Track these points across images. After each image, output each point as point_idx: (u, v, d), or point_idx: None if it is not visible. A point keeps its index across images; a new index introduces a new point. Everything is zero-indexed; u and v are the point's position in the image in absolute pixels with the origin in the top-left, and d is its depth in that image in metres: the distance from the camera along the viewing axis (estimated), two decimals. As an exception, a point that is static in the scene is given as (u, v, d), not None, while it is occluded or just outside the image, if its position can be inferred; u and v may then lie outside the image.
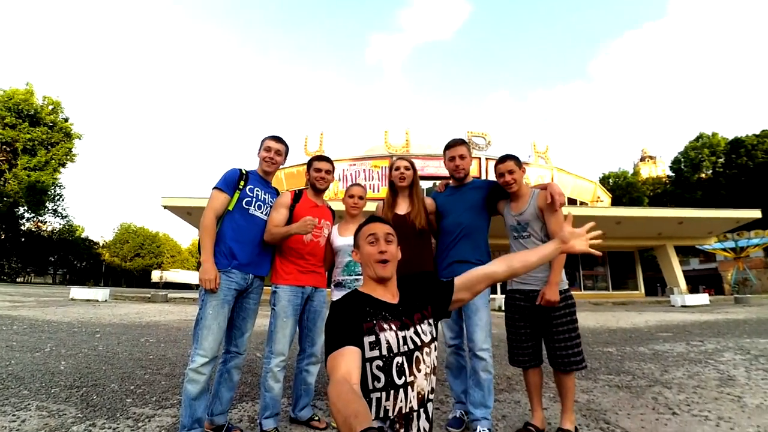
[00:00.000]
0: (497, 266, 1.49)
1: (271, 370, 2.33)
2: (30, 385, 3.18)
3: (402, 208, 2.63)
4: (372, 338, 1.23)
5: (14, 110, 35.09)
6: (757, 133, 40.75)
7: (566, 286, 2.34)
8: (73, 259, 55.24)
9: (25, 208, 39.23)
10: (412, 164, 2.70)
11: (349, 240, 2.60)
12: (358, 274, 2.61)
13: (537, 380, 2.41)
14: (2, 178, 37.06)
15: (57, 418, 2.47)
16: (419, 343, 1.29)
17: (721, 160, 42.82)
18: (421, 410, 1.25)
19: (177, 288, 42.13)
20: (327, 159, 2.72)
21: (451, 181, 2.77)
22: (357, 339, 1.18)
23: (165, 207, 17.91)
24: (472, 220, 2.55)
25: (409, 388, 1.22)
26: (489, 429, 2.21)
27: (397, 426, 1.19)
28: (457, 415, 2.49)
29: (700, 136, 45.07)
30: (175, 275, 53.15)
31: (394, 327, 1.28)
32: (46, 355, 4.38)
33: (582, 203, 25.17)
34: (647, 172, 65.73)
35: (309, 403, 2.56)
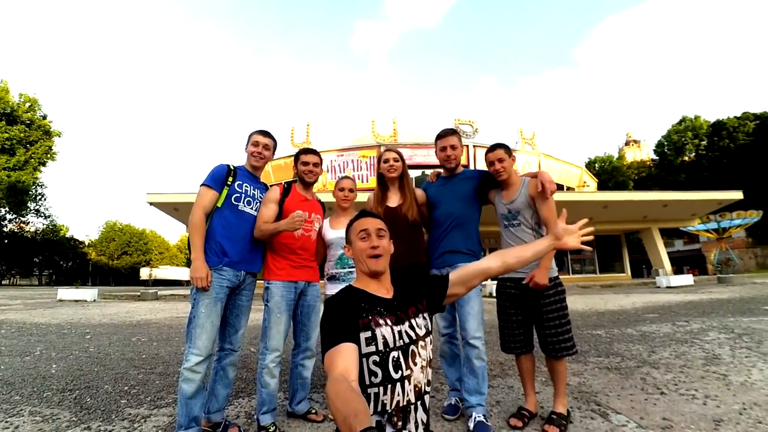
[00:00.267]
0: (492, 261, 1.50)
1: (266, 366, 2.33)
2: (21, 390, 3.14)
3: (393, 200, 2.63)
4: (368, 334, 1.24)
5: (-11, 108, 34.07)
6: (738, 115, 41.48)
7: (555, 273, 2.37)
8: (59, 260, 54.37)
9: (7, 209, 38.33)
10: (401, 155, 2.69)
11: (340, 233, 2.60)
12: (352, 267, 2.61)
13: (529, 366, 2.46)
14: (-20, 179, 36.08)
15: (51, 423, 2.45)
16: (414, 337, 1.30)
17: (704, 142, 43.56)
18: (419, 402, 1.26)
19: (167, 285, 41.70)
20: (314, 152, 2.69)
21: (442, 172, 2.77)
22: (353, 335, 1.19)
23: (151, 204, 17.63)
24: (463, 210, 2.56)
25: (406, 381, 1.23)
26: (484, 415, 2.25)
27: (395, 419, 1.20)
28: (453, 402, 2.53)
29: (683, 120, 45.72)
30: (164, 272, 52.51)
31: (389, 322, 1.28)
32: (36, 359, 4.32)
33: (569, 188, 25.46)
34: (632, 156, 66.51)
35: (305, 397, 2.58)
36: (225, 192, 2.34)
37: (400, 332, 1.28)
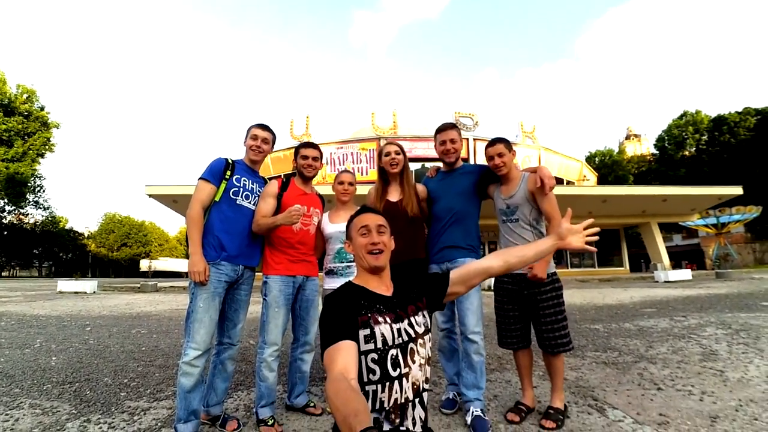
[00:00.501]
0: (493, 261, 1.49)
1: (264, 360, 2.34)
2: (21, 383, 3.15)
3: (393, 194, 2.62)
4: (367, 331, 1.24)
5: (-14, 99, 33.88)
6: (740, 110, 41.34)
7: (553, 269, 2.37)
8: (59, 251, 54.43)
9: (6, 200, 38.28)
10: (402, 149, 2.67)
11: (339, 227, 2.59)
12: (350, 261, 2.61)
13: (527, 361, 2.47)
14: (-21, 171, 35.97)
15: (51, 416, 2.46)
16: (413, 335, 1.30)
17: (704, 137, 43.47)
18: (416, 400, 1.26)
19: (167, 277, 41.79)
20: (314, 146, 2.67)
21: (441, 166, 2.76)
22: (353, 333, 1.19)
23: (150, 196, 17.60)
24: (463, 205, 2.55)
25: (404, 379, 1.23)
26: (482, 410, 2.26)
27: (393, 416, 1.21)
28: (450, 397, 2.54)
29: (684, 114, 45.56)
30: (164, 264, 52.61)
31: (388, 320, 1.28)
32: (36, 351, 4.34)
33: (568, 182, 25.45)
34: (632, 150, 66.43)
35: (304, 390, 2.59)
36: (223, 186, 2.32)
37: (399, 330, 1.28)
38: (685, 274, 16.84)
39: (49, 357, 4.06)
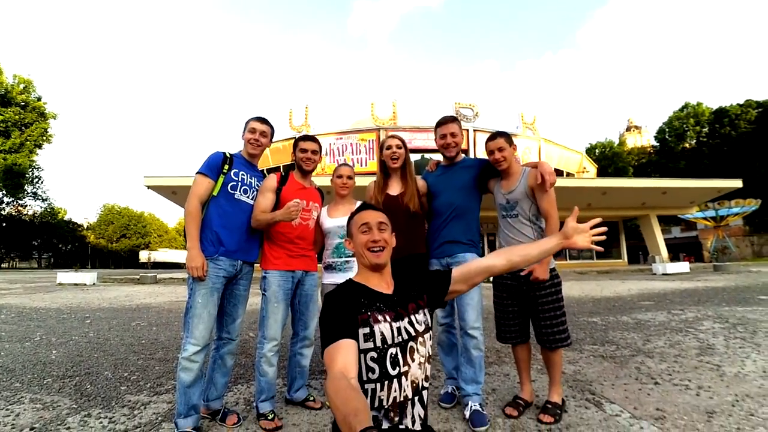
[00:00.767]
0: (496, 259, 1.47)
1: (264, 355, 2.34)
2: (21, 377, 3.16)
3: (394, 188, 2.60)
4: (366, 330, 1.23)
5: (-17, 90, 33.62)
6: (741, 102, 41.16)
7: (553, 265, 2.37)
8: (58, 243, 54.41)
9: (4, 192, 38.16)
10: (404, 142, 2.65)
11: (338, 221, 2.57)
12: (349, 256, 2.60)
13: (525, 355, 2.48)
14: (-24, 161, 35.80)
15: (51, 410, 2.47)
16: (413, 334, 1.30)
17: (705, 129, 43.36)
18: (416, 398, 1.26)
19: (166, 268, 41.89)
20: (314, 139, 2.64)
21: (442, 160, 2.74)
22: (353, 331, 1.18)
23: (149, 187, 17.57)
24: (463, 200, 2.53)
25: (403, 377, 1.23)
26: (480, 404, 2.27)
27: (392, 415, 1.21)
28: (449, 391, 2.55)
29: (685, 106, 45.39)
30: (163, 255, 52.71)
31: (388, 318, 1.28)
32: (36, 345, 4.35)
33: (568, 174, 25.41)
34: (633, 142, 66.30)
35: (304, 385, 2.60)
36: (221, 180, 2.30)
37: (399, 329, 1.27)
38: (683, 266, 16.90)
39: (49, 350, 4.07)
